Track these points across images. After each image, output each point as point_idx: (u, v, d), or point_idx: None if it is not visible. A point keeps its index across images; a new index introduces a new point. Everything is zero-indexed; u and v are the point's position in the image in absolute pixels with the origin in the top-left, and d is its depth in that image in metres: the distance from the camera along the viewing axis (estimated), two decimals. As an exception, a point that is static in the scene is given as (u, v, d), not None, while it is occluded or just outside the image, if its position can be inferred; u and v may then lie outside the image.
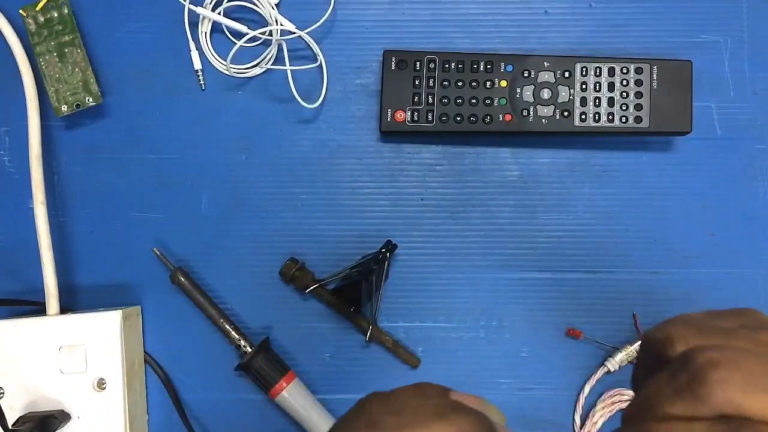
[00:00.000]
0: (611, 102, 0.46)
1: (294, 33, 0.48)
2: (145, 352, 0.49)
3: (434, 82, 0.47)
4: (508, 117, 0.47)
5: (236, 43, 0.47)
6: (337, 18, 0.50)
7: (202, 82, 0.49)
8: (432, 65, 0.47)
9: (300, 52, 0.50)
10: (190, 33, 0.49)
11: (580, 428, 0.48)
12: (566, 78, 0.47)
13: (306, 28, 0.48)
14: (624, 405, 0.48)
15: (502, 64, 0.47)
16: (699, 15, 0.50)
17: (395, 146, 0.49)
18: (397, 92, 0.47)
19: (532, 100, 0.47)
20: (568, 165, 0.49)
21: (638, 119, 0.46)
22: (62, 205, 0.49)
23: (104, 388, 0.45)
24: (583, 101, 0.46)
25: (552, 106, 0.46)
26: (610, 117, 0.46)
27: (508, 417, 0.48)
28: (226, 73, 0.49)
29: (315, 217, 0.49)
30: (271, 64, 0.49)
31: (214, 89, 0.50)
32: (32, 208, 0.46)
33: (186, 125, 0.49)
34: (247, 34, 0.47)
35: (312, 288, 0.47)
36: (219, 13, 0.48)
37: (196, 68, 0.49)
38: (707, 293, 0.49)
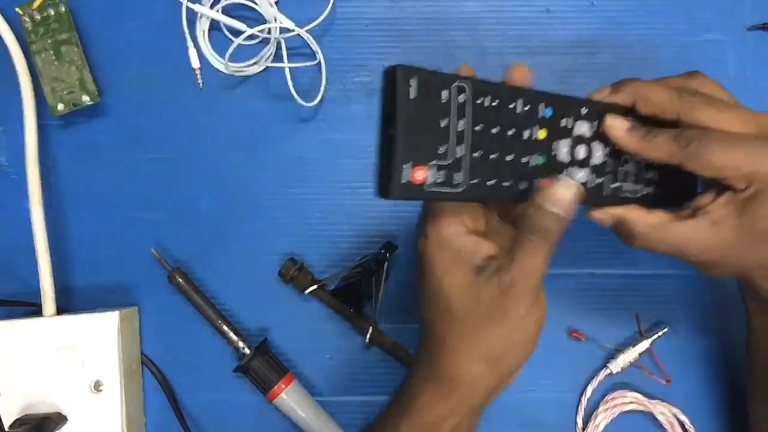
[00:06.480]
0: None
1: (293, 31, 0.48)
2: (142, 353, 0.48)
3: (465, 125, 0.30)
4: (545, 183, 0.33)
5: (234, 41, 0.46)
6: (336, 15, 0.49)
7: (200, 81, 0.49)
8: (462, 97, 0.30)
9: (299, 50, 0.49)
10: (188, 31, 0.48)
11: (582, 430, 0.47)
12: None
13: (305, 26, 0.48)
14: (626, 407, 0.47)
15: (541, 106, 0.33)
16: (702, 14, 0.49)
17: (395, 145, 0.49)
18: (418, 135, 0.29)
19: (568, 159, 0.35)
20: (570, 164, 0.49)
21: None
22: (59, 205, 0.49)
23: (101, 390, 0.44)
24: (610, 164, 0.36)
25: (587, 169, 0.35)
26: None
27: (510, 418, 0.48)
28: (225, 71, 0.49)
29: (315, 217, 0.49)
30: (270, 62, 0.49)
31: (212, 88, 0.49)
32: (29, 209, 0.46)
33: (184, 124, 0.49)
34: (246, 31, 0.47)
35: (311, 289, 0.47)
36: (217, 11, 0.48)
37: (194, 66, 0.49)
38: (707, 293, 0.49)
